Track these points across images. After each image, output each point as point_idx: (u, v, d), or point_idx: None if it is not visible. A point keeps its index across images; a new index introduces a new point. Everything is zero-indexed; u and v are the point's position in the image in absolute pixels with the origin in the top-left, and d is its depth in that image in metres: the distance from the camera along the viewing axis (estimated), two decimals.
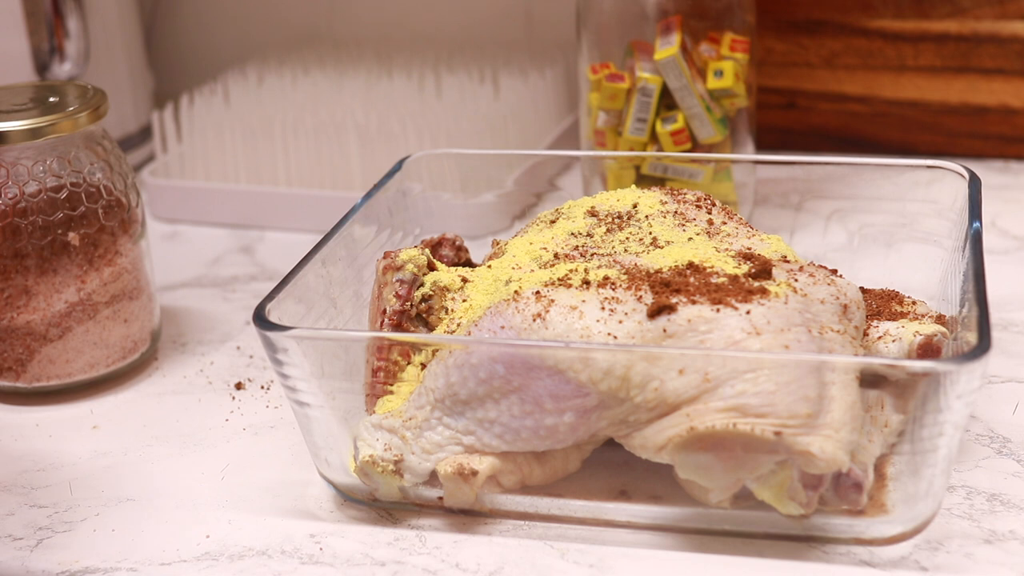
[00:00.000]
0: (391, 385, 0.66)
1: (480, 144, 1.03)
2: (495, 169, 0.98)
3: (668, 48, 0.88)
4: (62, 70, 1.05)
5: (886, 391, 0.63)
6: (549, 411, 0.62)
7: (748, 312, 0.61)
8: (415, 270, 0.69)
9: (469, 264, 0.76)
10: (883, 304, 0.71)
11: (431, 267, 0.70)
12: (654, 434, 0.60)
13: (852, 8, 1.08)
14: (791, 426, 0.58)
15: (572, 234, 0.72)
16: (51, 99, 0.79)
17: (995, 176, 1.05)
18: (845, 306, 0.64)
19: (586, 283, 0.64)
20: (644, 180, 0.91)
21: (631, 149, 0.91)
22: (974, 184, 0.73)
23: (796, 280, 0.64)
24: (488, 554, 0.62)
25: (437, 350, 0.65)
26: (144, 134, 1.19)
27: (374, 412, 0.66)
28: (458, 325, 0.67)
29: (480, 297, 0.68)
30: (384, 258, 0.70)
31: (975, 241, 0.67)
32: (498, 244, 0.75)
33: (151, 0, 1.32)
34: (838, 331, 0.63)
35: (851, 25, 1.09)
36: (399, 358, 0.66)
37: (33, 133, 0.75)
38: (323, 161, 1.04)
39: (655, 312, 0.61)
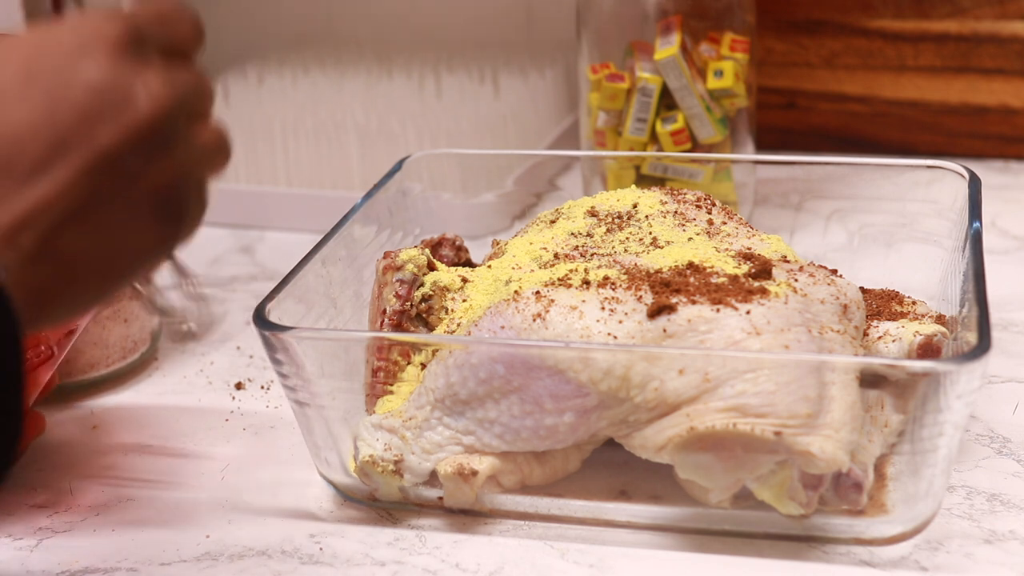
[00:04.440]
0: (391, 385, 0.66)
1: (480, 144, 1.03)
2: (495, 169, 0.98)
3: (668, 48, 0.88)
4: None
5: (886, 391, 0.63)
6: (549, 411, 0.61)
7: (748, 312, 0.61)
8: (415, 270, 0.69)
9: (469, 264, 0.76)
10: (883, 304, 0.71)
11: (431, 267, 0.70)
12: (654, 434, 0.60)
13: (852, 8, 1.08)
14: (791, 426, 0.58)
15: (572, 234, 0.72)
16: None
17: (995, 176, 1.05)
18: (845, 306, 0.64)
19: (586, 283, 0.64)
20: (644, 180, 0.90)
21: (631, 149, 0.91)
22: (974, 184, 0.73)
23: (796, 280, 0.64)
24: (488, 554, 0.62)
25: (437, 350, 0.65)
26: None
27: (374, 412, 0.66)
28: (458, 325, 0.66)
29: (480, 297, 0.68)
30: (384, 258, 0.70)
31: (975, 241, 0.67)
32: (498, 244, 0.75)
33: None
34: (838, 331, 0.63)
35: (851, 25, 1.09)
36: (399, 358, 0.66)
37: None
38: (323, 161, 1.04)
39: (655, 312, 0.61)
